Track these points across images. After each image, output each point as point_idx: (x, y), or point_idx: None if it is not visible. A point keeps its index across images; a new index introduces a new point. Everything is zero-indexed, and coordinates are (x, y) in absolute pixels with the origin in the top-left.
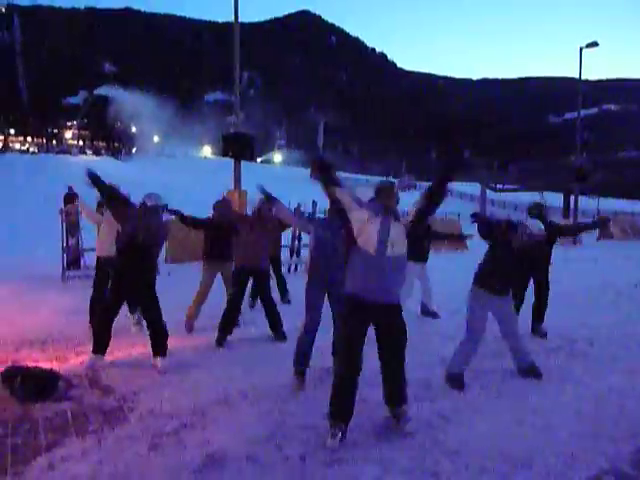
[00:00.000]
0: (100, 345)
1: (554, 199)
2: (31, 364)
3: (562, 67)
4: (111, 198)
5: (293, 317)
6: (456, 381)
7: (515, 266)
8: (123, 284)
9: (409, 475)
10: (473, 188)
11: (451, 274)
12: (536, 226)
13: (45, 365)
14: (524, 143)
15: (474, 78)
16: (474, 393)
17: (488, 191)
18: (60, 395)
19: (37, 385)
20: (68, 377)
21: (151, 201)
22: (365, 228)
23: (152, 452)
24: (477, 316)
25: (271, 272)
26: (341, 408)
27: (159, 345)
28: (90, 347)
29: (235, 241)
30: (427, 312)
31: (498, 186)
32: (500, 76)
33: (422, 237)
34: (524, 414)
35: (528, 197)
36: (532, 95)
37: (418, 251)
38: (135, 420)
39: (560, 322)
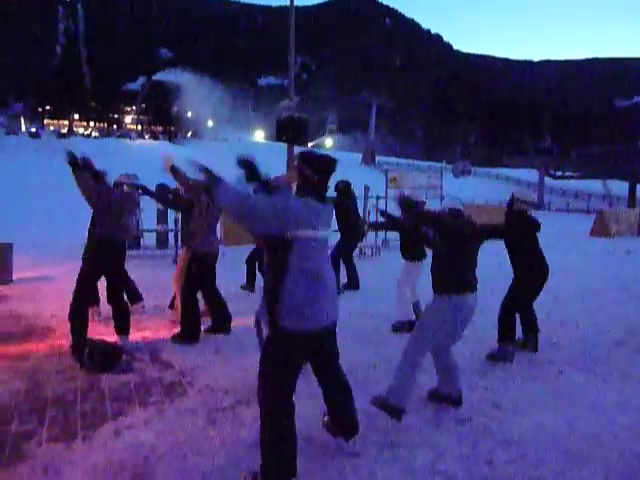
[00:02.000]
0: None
1: (619, 187)
2: (97, 338)
3: (631, 47)
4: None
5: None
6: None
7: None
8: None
9: (463, 462)
10: (531, 174)
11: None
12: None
13: (109, 339)
14: (588, 128)
15: (535, 60)
16: (531, 384)
17: (546, 178)
18: (123, 367)
19: (103, 357)
20: (131, 351)
21: (122, 178)
22: None
23: (210, 426)
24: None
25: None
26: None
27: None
28: (148, 324)
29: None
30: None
31: (557, 173)
32: (563, 57)
33: (411, 233)
34: (583, 409)
35: (590, 185)
36: (598, 77)
37: (408, 248)
38: (193, 394)
39: (625, 314)
